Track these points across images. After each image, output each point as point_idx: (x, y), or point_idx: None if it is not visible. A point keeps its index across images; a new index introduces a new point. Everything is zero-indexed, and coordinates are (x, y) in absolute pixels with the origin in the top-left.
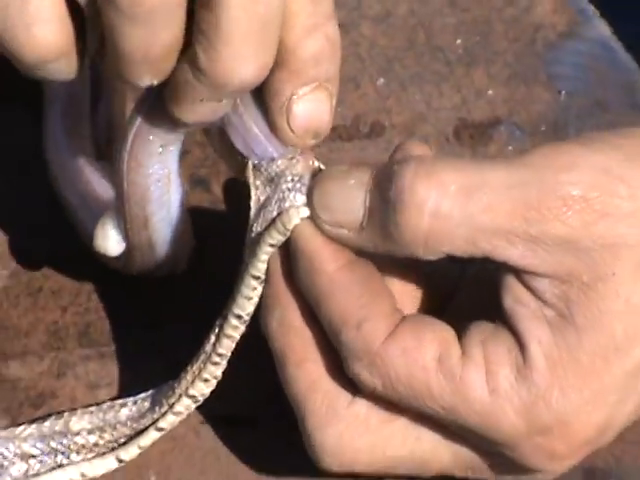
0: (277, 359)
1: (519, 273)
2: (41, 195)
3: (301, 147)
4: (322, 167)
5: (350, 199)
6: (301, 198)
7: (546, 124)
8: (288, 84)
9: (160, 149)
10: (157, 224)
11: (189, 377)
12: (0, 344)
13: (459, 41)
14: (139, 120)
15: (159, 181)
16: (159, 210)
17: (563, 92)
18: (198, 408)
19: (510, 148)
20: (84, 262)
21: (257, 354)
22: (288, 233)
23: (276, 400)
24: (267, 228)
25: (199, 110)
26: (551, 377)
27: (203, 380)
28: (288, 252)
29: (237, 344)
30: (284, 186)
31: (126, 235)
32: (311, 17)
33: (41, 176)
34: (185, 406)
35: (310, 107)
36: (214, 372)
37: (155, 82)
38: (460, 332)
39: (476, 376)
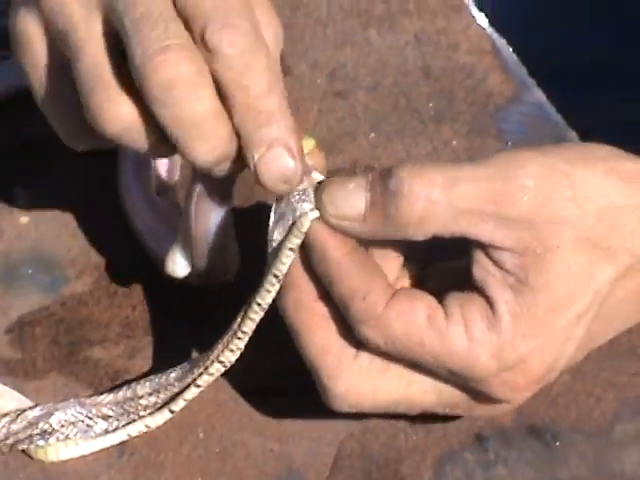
0: (293, 332)
1: (486, 249)
2: (115, 223)
3: (278, 193)
4: (324, 178)
5: (352, 197)
6: (308, 205)
7: None
8: (248, 153)
9: (215, 205)
10: (215, 255)
11: (220, 347)
12: (86, 333)
13: (431, 104)
14: (198, 189)
15: (216, 225)
16: (216, 244)
17: (509, 143)
18: (236, 381)
19: None
20: (149, 271)
21: (284, 340)
22: (303, 236)
23: (298, 374)
24: (286, 235)
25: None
26: (514, 327)
27: (230, 350)
28: (302, 250)
29: (261, 329)
30: (293, 200)
31: (192, 261)
32: (244, 102)
33: (115, 208)
34: (216, 369)
35: (267, 164)
36: (238, 344)
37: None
38: (439, 300)
39: (457, 330)
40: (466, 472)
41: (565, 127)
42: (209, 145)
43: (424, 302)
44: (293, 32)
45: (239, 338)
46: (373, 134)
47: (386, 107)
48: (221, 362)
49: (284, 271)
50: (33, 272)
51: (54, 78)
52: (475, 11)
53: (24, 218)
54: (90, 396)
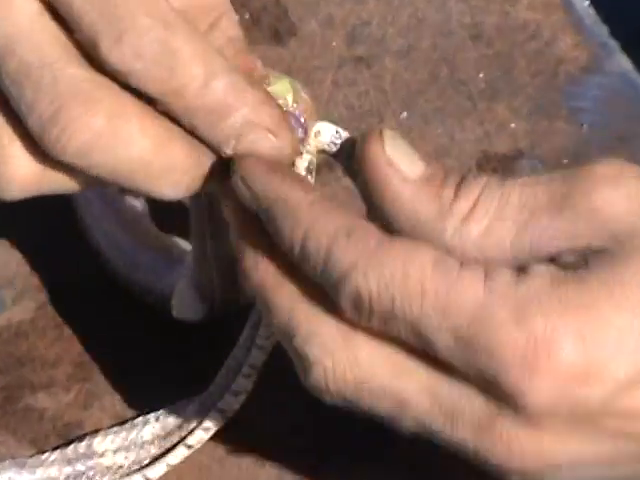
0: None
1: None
2: (65, 236)
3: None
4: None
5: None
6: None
7: (568, 157)
8: (222, 152)
9: None
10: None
11: (218, 390)
12: (27, 375)
13: (482, 75)
14: (207, 202)
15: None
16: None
17: (585, 125)
18: (222, 440)
19: None
20: (111, 296)
21: (278, 390)
22: None
23: (299, 435)
24: None
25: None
26: (551, 289)
27: (233, 393)
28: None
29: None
30: None
31: (210, 293)
32: (185, 108)
33: (64, 219)
34: (214, 422)
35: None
36: (245, 385)
37: None
38: None
39: (473, 276)
40: None
41: None
42: (169, 181)
43: (431, 247)
44: None
45: (246, 376)
46: (405, 113)
47: (422, 78)
48: (221, 411)
49: None
50: None
51: None
52: None
53: None
54: (31, 456)
